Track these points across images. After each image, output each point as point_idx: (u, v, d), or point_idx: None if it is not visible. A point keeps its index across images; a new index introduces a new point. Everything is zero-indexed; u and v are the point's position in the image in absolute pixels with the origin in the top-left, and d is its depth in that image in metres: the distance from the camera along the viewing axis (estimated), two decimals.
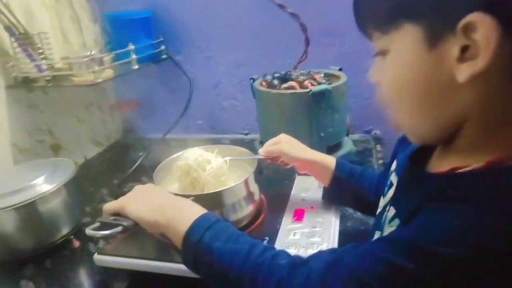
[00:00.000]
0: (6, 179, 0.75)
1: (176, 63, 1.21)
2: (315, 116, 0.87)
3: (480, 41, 0.32)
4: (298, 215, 0.68)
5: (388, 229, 0.45)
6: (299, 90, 0.88)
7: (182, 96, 1.20)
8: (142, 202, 0.54)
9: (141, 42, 1.10)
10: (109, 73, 0.98)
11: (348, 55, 1.09)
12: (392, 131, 0.46)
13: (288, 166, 0.71)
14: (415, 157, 0.46)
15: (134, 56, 1.03)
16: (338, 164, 0.66)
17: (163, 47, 1.19)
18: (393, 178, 0.50)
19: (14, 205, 0.67)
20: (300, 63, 1.03)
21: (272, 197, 0.75)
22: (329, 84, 0.89)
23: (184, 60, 1.23)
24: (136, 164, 1.03)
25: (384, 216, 0.48)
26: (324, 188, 0.70)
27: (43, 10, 1.01)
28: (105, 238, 0.67)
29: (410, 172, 0.45)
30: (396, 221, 0.43)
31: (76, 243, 0.75)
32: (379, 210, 0.53)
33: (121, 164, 1.08)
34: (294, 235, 0.63)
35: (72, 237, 0.76)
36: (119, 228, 0.52)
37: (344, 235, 0.66)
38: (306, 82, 0.91)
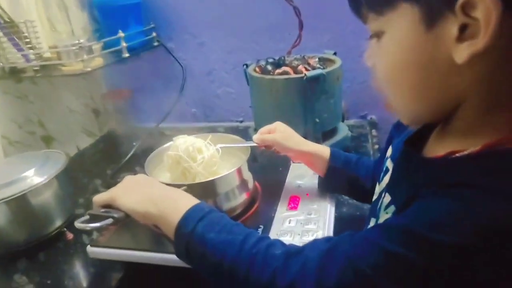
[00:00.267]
0: None
1: (168, 50, 1.19)
2: (310, 101, 0.86)
3: (480, 18, 0.30)
4: (293, 203, 0.67)
5: (383, 216, 0.44)
6: (293, 76, 0.86)
7: (175, 84, 1.18)
8: (133, 193, 0.53)
9: (131, 29, 1.07)
10: (99, 61, 0.96)
11: (343, 38, 1.07)
12: (388, 116, 0.45)
13: (282, 154, 0.70)
14: (411, 142, 0.45)
15: (124, 44, 1.01)
16: (332, 154, 0.66)
17: (154, 34, 1.16)
18: (389, 164, 0.49)
19: (4, 198, 0.66)
20: (294, 48, 1.01)
21: (267, 184, 0.74)
22: (323, 68, 0.87)
23: (176, 47, 1.21)
24: (130, 154, 1.02)
25: (379, 203, 0.47)
26: (320, 178, 0.69)
27: None
28: (96, 230, 0.66)
29: (406, 158, 0.44)
30: (392, 208, 0.43)
31: (70, 235, 0.74)
32: (374, 197, 0.52)
33: (115, 154, 1.07)
34: (289, 223, 0.62)
35: (65, 229, 0.75)
36: (109, 220, 0.50)
37: (339, 222, 0.65)
38: (300, 67, 0.89)
